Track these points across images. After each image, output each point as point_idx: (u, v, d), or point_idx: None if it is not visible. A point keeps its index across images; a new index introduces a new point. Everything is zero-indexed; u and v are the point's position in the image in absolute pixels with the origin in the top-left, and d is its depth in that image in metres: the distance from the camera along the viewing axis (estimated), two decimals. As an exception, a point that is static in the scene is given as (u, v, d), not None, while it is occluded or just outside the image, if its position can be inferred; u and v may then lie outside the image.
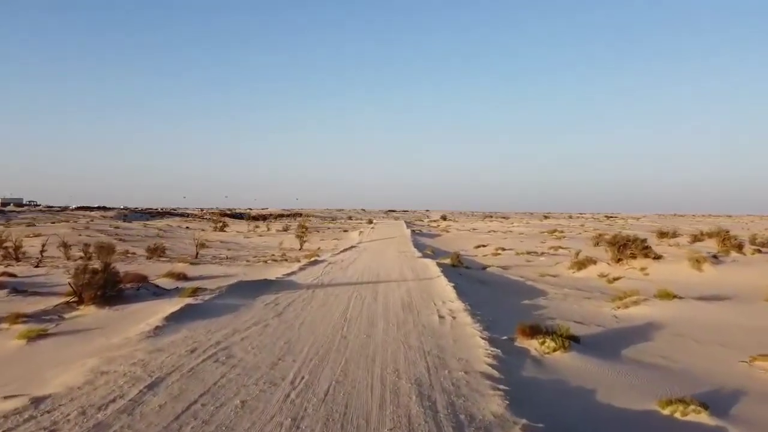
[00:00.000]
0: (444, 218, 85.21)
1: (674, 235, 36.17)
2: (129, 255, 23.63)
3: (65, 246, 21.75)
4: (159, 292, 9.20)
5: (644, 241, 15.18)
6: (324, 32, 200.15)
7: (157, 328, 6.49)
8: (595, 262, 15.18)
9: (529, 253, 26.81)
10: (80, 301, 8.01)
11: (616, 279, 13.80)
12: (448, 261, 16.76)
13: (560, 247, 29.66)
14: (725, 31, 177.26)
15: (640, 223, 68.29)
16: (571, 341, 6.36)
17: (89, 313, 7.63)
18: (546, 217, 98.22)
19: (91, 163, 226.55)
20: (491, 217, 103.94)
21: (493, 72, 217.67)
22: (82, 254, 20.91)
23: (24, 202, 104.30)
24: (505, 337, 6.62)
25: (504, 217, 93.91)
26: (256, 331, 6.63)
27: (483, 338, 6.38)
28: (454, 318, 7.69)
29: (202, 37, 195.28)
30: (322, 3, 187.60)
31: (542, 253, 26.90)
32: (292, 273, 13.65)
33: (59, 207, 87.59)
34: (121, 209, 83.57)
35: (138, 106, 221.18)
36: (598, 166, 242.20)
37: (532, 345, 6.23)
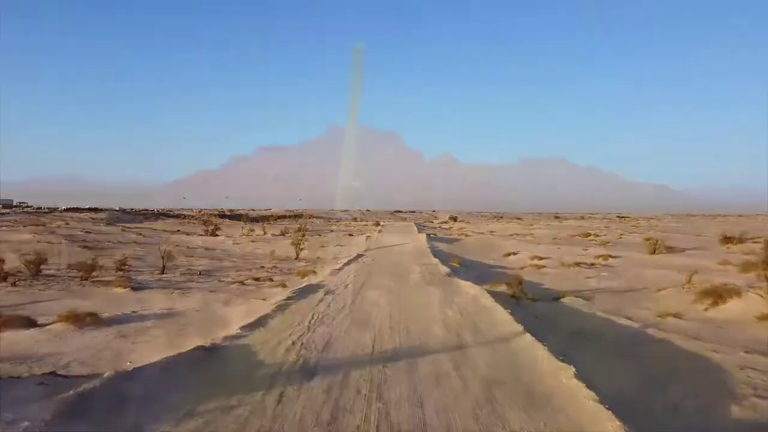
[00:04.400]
0: (454, 219, 79.75)
1: (741, 240, 30.56)
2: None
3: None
4: None
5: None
6: (324, 32, 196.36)
7: None
8: (739, 294, 9.77)
9: (578, 264, 21.41)
10: None
11: (793, 326, 8.36)
12: (503, 288, 11.38)
13: (610, 256, 24.30)
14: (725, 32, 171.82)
15: (665, 224, 62.03)
16: None
17: None
18: (557, 218, 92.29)
19: (92, 163, 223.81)
20: (502, 217, 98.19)
21: (493, 72, 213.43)
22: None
23: (14, 204, 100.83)
24: None
25: (518, 218, 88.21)
26: None
27: None
28: None
29: (202, 36, 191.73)
30: (323, 2, 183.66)
31: (591, 264, 21.61)
32: (263, 319, 8.16)
33: (48, 208, 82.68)
34: (115, 210, 78.80)
35: (136, 106, 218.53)
36: (601, 166, 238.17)
37: None
